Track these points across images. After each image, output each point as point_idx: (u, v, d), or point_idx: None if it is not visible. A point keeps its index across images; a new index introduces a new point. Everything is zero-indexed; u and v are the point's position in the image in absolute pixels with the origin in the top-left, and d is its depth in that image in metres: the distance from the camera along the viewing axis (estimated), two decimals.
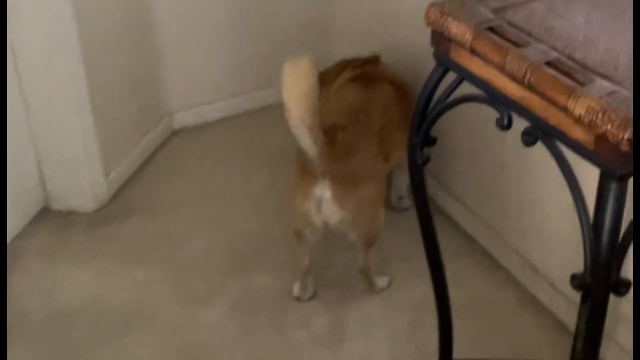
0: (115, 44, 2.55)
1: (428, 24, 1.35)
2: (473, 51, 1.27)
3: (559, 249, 2.05)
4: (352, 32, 2.88)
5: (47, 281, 2.30)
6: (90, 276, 2.32)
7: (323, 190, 1.95)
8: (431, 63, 1.39)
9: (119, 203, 2.62)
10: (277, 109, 1.94)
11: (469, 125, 2.26)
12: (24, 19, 2.22)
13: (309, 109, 1.77)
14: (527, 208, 2.17)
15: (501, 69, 1.19)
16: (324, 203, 1.96)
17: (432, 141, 1.47)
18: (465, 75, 1.32)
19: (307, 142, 1.83)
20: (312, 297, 2.22)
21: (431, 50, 1.37)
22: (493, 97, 1.25)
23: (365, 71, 2.30)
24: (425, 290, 1.78)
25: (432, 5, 1.34)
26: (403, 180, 2.44)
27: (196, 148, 2.91)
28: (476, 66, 1.29)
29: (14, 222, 2.43)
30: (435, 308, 1.72)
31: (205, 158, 2.83)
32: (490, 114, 1.27)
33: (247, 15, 2.93)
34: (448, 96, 1.42)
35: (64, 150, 2.46)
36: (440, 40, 1.35)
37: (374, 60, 2.37)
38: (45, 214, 2.55)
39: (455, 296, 1.73)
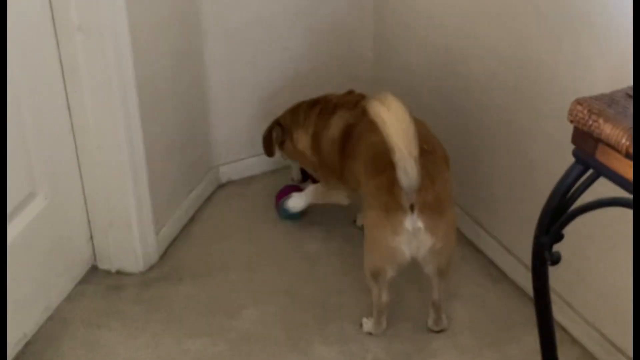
0: (169, 99, 2.48)
1: (572, 121, 1.26)
2: (628, 155, 1.18)
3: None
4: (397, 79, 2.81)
5: (96, 352, 2.18)
6: (140, 346, 2.20)
7: (414, 222, 1.94)
8: None
9: (168, 263, 2.51)
10: None
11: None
12: (80, 78, 2.14)
13: (413, 141, 1.79)
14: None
15: None
16: (419, 234, 1.95)
17: (560, 238, 1.38)
18: (614, 179, 1.24)
19: (414, 175, 1.83)
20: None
21: None
22: None
23: None
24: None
25: (578, 102, 1.25)
26: None
27: (244, 203, 2.82)
28: (629, 169, 1.20)
29: (62, 283, 2.33)
30: None
31: (254, 215, 2.73)
32: None
33: (294, 69, 2.86)
34: (580, 193, 1.33)
35: (115, 208, 2.36)
36: (586, 139, 1.27)
37: (358, 95, 2.41)
38: (94, 273, 2.44)
39: None
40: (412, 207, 1.92)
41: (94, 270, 2.45)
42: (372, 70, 2.97)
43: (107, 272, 2.45)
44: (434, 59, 2.57)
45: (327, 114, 2.38)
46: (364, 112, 2.14)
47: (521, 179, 2.26)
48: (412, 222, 1.94)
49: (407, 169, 1.82)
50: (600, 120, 1.21)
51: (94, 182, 2.32)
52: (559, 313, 2.11)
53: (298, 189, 2.64)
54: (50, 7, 2.04)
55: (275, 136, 2.57)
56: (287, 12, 2.78)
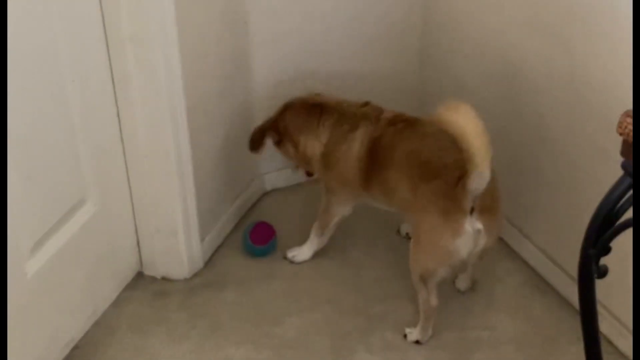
0: (216, 108, 2.50)
1: (621, 134, 1.26)
2: None
3: None
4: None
5: (141, 357, 2.21)
6: (184, 352, 2.22)
7: (474, 224, 2.00)
8: None
9: (213, 270, 2.53)
10: None
11: None
12: (131, 88, 2.18)
13: (488, 144, 1.85)
14: None
15: None
16: (478, 235, 2.01)
17: (607, 251, 1.37)
18: None
19: (487, 178, 1.89)
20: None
21: None
22: None
23: (397, 115, 2.28)
24: None
25: (627, 115, 1.25)
26: None
27: (288, 211, 2.82)
28: None
29: (109, 289, 2.36)
30: None
31: (298, 222, 2.72)
32: None
33: (341, 78, 2.85)
34: (629, 206, 1.32)
35: (162, 215, 2.39)
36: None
37: (376, 107, 2.35)
38: (139, 279, 2.47)
39: None
40: (471, 210, 1.97)
41: (140, 276, 2.48)
42: (417, 82, 2.97)
43: (153, 279, 2.48)
44: (483, 71, 2.56)
45: (347, 126, 2.31)
46: (389, 123, 2.23)
47: (566, 189, 2.25)
48: (472, 224, 1.99)
49: (484, 172, 1.87)
50: None
51: (141, 189, 2.35)
52: (604, 325, 2.09)
53: (268, 226, 2.60)
54: (102, 17, 2.07)
55: (270, 139, 2.47)
56: (334, 18, 2.78)
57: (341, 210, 2.44)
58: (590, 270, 1.36)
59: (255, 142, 2.47)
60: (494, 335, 2.25)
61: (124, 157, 2.29)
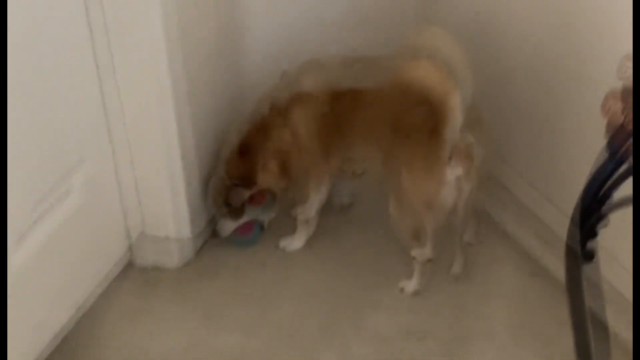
0: (207, 96, 2.46)
1: (605, 115, 1.23)
2: None
3: None
4: None
5: (134, 346, 2.20)
6: (176, 341, 2.21)
7: (454, 169, 2.05)
8: None
9: (204, 259, 2.51)
10: None
11: None
12: (118, 75, 2.16)
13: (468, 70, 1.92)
14: None
15: None
16: (460, 181, 2.07)
17: (594, 234, 1.34)
18: None
19: (459, 124, 1.94)
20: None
21: None
22: None
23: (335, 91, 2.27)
24: None
25: (611, 96, 1.21)
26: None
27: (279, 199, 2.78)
28: None
29: (98, 280, 2.34)
30: None
31: (288, 211, 2.69)
32: None
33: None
34: (614, 188, 1.29)
35: (152, 204, 2.37)
36: (619, 133, 1.22)
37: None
38: (130, 269, 2.45)
39: None
40: (449, 158, 2.02)
41: (130, 266, 2.46)
42: None
43: (143, 268, 2.45)
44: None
45: (280, 118, 2.34)
46: (332, 99, 2.23)
47: (561, 169, 2.22)
48: (452, 171, 2.05)
49: (456, 117, 1.91)
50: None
51: (130, 178, 2.33)
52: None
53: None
54: (85, 1, 2.04)
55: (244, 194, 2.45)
56: None
57: (316, 195, 2.44)
58: (576, 254, 1.33)
59: (238, 210, 2.46)
60: (489, 324, 2.23)
61: (110, 145, 2.26)
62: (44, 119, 1.97)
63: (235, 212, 2.46)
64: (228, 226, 2.49)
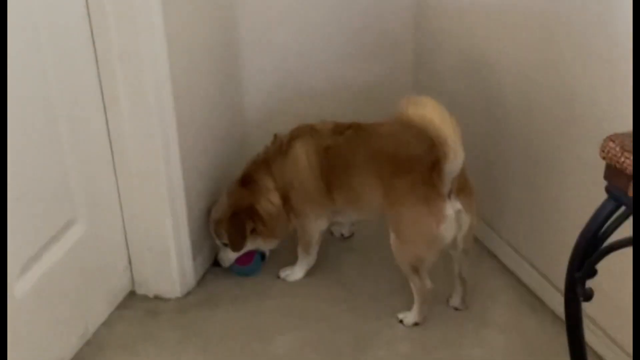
0: (207, 128, 2.50)
1: (604, 158, 1.25)
2: None
3: None
4: None
5: None
6: None
7: (453, 205, 2.09)
8: None
9: (205, 289, 2.53)
10: None
11: None
12: (123, 107, 2.19)
13: (457, 128, 1.93)
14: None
15: None
16: (460, 216, 2.11)
17: (593, 273, 1.36)
18: None
19: (461, 159, 1.98)
20: None
21: None
22: None
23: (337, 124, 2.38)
24: None
25: (610, 139, 1.24)
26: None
27: None
28: None
29: (100, 308, 2.35)
30: None
31: (290, 242, 2.67)
32: None
33: (333, 89, 2.88)
34: (614, 230, 1.31)
35: (154, 234, 2.39)
36: (618, 175, 1.25)
37: (306, 126, 2.43)
38: (131, 298, 2.47)
39: None
40: (449, 194, 2.06)
41: (131, 295, 2.48)
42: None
43: (145, 297, 2.47)
44: (471, 84, 2.56)
45: (283, 148, 2.41)
46: (334, 132, 2.33)
47: (557, 208, 2.24)
48: (453, 207, 2.08)
49: (458, 153, 1.95)
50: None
51: (132, 208, 2.35)
52: (592, 337, 2.09)
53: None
54: (92, 35, 2.08)
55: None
56: (327, 28, 2.81)
57: (316, 226, 2.47)
58: (576, 293, 1.35)
59: (239, 240, 2.48)
60: (487, 352, 2.24)
61: (114, 176, 2.29)
62: (54, 156, 2.02)
63: (239, 243, 2.49)
64: (229, 256, 2.51)
